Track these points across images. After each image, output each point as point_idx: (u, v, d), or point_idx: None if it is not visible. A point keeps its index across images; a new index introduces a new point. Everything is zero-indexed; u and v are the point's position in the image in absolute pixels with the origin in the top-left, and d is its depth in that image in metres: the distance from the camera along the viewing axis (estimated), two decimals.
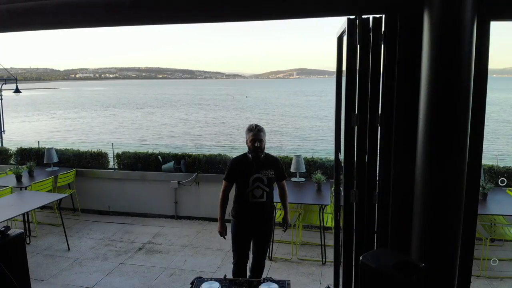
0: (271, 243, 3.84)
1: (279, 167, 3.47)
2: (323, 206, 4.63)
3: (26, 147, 6.97)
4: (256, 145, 3.24)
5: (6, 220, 4.02)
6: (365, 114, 2.55)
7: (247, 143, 3.32)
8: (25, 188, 5.43)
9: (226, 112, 42.22)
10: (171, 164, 6.14)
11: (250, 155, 3.31)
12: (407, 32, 2.30)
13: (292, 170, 5.49)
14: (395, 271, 1.71)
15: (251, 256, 3.50)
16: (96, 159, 6.59)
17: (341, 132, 3.00)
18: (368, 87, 2.51)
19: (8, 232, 2.63)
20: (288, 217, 3.62)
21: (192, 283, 2.44)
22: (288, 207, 3.65)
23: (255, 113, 39.87)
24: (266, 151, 3.39)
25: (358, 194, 2.65)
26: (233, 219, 3.43)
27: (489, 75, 2.31)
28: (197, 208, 6.06)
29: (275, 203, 3.64)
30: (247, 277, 3.45)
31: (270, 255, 4.60)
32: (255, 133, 3.26)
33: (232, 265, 3.47)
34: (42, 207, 5.23)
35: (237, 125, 31.07)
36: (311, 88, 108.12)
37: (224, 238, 3.47)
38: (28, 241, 5.03)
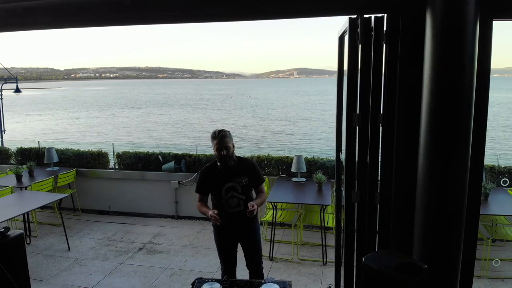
0: (263, 250, 3.38)
1: (255, 172, 3.17)
2: (324, 206, 4.62)
3: (26, 147, 6.97)
4: (222, 153, 2.99)
5: (6, 220, 4.02)
6: (367, 114, 2.54)
7: (214, 151, 3.06)
8: (25, 188, 5.43)
9: (226, 113, 42.04)
10: (171, 164, 6.14)
11: (219, 164, 3.08)
12: (409, 32, 2.29)
13: (293, 170, 5.49)
14: (398, 272, 1.70)
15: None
16: (96, 159, 6.58)
17: (343, 132, 2.99)
18: (369, 87, 2.50)
19: (8, 233, 2.62)
20: (255, 203, 2.98)
21: (193, 284, 2.43)
22: (260, 204, 3.09)
23: (256, 116, 39.44)
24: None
25: (360, 195, 2.64)
26: (213, 229, 3.25)
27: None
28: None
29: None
30: None
31: (271, 255, 4.59)
32: (219, 140, 2.99)
33: (221, 272, 3.35)
34: (43, 207, 5.22)
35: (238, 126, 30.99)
36: (312, 88, 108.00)
37: (218, 222, 2.90)
38: (28, 241, 5.03)
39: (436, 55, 2.10)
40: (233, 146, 3.08)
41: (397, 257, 1.84)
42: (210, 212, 2.94)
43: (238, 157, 3.16)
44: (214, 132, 3.04)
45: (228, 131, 3.08)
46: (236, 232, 3.20)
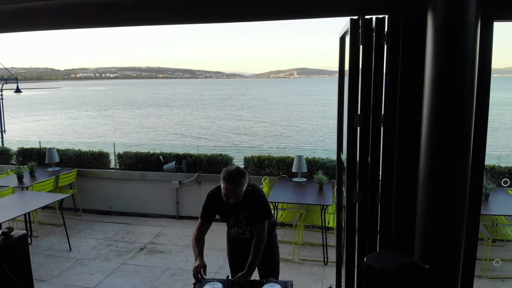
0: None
1: (256, 210, 2.67)
2: (325, 206, 4.63)
3: (27, 147, 6.98)
4: (230, 201, 2.53)
5: (8, 220, 4.03)
6: (368, 115, 2.55)
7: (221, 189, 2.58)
8: (27, 188, 5.43)
9: (227, 114, 41.83)
10: (172, 164, 6.15)
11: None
12: (410, 33, 2.30)
13: (293, 170, 5.50)
14: (400, 272, 1.71)
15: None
16: (97, 159, 6.59)
17: (344, 132, 3.00)
18: (371, 87, 2.51)
19: (11, 233, 2.63)
20: (252, 266, 2.59)
21: (194, 284, 2.44)
22: (257, 256, 2.63)
23: (256, 118, 39.05)
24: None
25: (361, 195, 2.65)
26: (226, 240, 3.06)
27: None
28: (198, 208, 5.96)
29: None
30: None
31: None
32: (230, 188, 2.46)
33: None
34: (44, 207, 5.23)
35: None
36: (313, 88, 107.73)
37: (199, 277, 2.51)
38: (29, 241, 5.03)
39: (437, 56, 2.11)
40: (244, 190, 2.55)
41: (399, 257, 1.85)
42: (196, 265, 2.56)
43: (248, 188, 2.60)
44: (229, 175, 2.47)
45: (244, 176, 2.52)
46: (245, 254, 2.77)
